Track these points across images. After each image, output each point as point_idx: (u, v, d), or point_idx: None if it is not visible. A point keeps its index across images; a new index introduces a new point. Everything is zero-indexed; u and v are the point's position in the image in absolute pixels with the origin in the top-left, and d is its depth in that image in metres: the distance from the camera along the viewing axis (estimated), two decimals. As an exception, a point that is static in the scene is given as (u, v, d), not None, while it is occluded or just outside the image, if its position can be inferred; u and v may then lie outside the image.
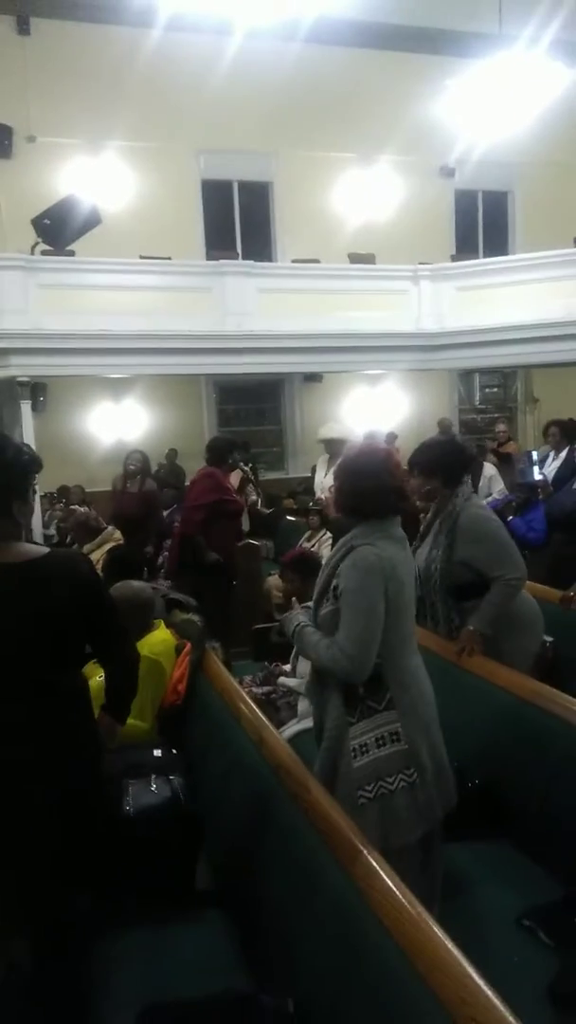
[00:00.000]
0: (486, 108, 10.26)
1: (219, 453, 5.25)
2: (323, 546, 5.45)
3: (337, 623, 2.04)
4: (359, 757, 2.00)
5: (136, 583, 3.37)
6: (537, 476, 5.80)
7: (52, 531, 6.98)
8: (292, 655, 3.64)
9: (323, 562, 2.25)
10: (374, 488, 2.09)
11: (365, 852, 1.68)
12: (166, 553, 6.16)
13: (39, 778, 1.64)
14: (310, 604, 2.29)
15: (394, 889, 1.56)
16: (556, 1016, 1.73)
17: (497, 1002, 1.26)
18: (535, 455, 6.12)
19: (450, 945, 1.39)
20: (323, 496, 5.74)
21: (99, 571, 4.54)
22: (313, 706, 2.20)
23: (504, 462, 7.97)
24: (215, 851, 2.32)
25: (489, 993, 1.28)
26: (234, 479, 6.19)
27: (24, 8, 9.79)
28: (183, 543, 5.13)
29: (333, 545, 4.65)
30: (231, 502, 5.24)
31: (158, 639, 3.14)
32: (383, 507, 2.11)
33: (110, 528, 5.59)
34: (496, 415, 11.64)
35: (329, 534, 5.56)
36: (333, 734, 2.06)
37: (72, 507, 7.45)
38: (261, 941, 1.95)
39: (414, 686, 2.10)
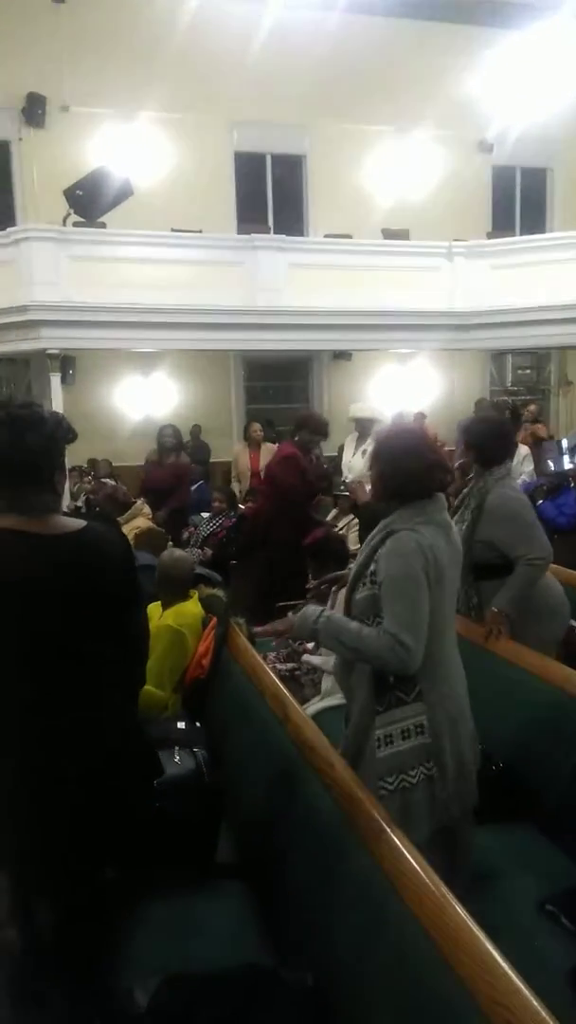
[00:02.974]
0: (526, 80, 10.01)
1: (296, 428, 5.19)
2: (351, 531, 5.41)
3: (374, 608, 1.98)
4: (383, 747, 1.95)
5: (179, 552, 3.49)
6: (567, 465, 5.72)
7: (80, 503, 7.03)
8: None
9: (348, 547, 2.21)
10: (418, 467, 2.01)
11: (389, 831, 1.67)
12: (192, 528, 6.20)
13: (73, 748, 1.65)
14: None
15: (418, 869, 1.55)
16: (577, 1001, 1.72)
17: (522, 986, 1.25)
18: (565, 444, 6.02)
19: (474, 928, 1.38)
20: (350, 477, 5.69)
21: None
22: (341, 686, 2.17)
23: (535, 445, 7.85)
24: (237, 825, 2.33)
25: (514, 977, 1.26)
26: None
27: (59, -25, 9.68)
28: (260, 521, 5.09)
29: (361, 532, 4.64)
30: (307, 483, 5.22)
31: (188, 611, 3.18)
32: (430, 484, 2.03)
33: (139, 503, 5.63)
34: (528, 397, 11.44)
35: (356, 519, 5.51)
36: (358, 721, 2.02)
37: (103, 480, 7.49)
38: (282, 916, 1.95)
39: (446, 681, 2.01)
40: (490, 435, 3.16)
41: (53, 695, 1.64)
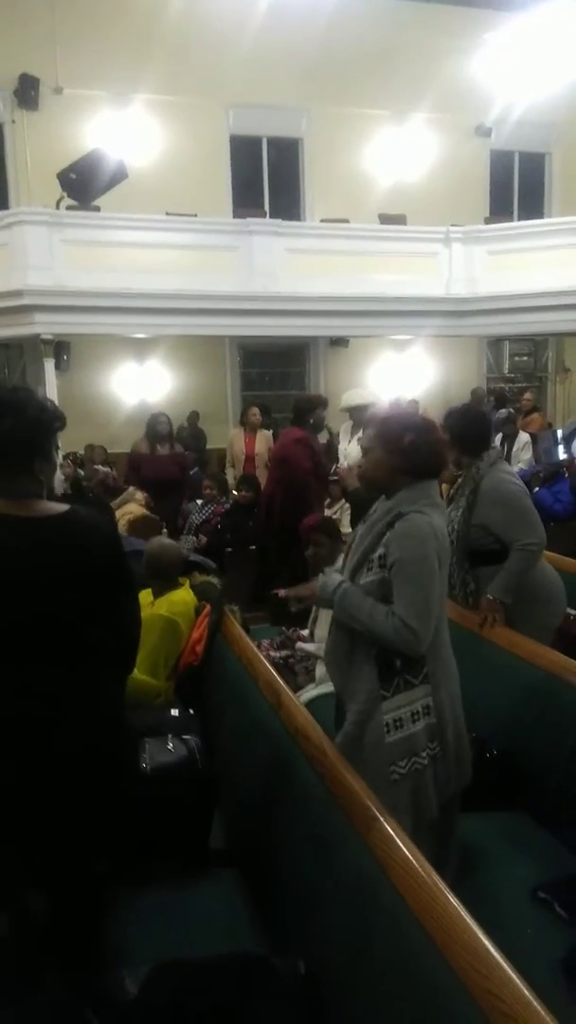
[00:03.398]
0: (525, 64, 9.90)
1: (300, 413, 5.10)
2: (344, 514, 5.39)
3: (382, 591, 1.97)
4: (392, 732, 1.95)
5: (167, 540, 3.47)
6: (562, 455, 5.71)
7: (66, 487, 6.99)
8: (310, 620, 3.62)
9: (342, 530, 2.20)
10: (432, 442, 2.03)
11: (382, 820, 1.66)
12: (186, 515, 6.18)
13: (60, 734, 1.63)
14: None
15: (411, 858, 1.54)
16: (569, 989, 1.71)
17: (514, 975, 1.24)
18: (560, 433, 6.02)
19: (466, 917, 1.37)
20: (346, 465, 5.66)
21: (122, 531, 4.59)
22: (335, 674, 2.14)
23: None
24: (231, 813, 2.32)
25: (506, 966, 1.25)
26: (321, 439, 6.04)
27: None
28: (275, 505, 5.00)
29: (352, 517, 4.61)
30: (322, 467, 5.17)
31: (180, 598, 3.16)
32: (440, 463, 2.07)
33: (131, 489, 5.60)
34: (525, 384, 11.41)
35: (348, 504, 5.48)
36: (364, 708, 1.98)
37: (95, 467, 7.45)
38: (275, 904, 1.95)
39: (448, 660, 2.05)
40: (465, 423, 3.14)
41: (37, 678, 1.62)
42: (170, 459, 6.34)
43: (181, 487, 6.35)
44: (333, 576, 2.07)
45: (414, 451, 2.00)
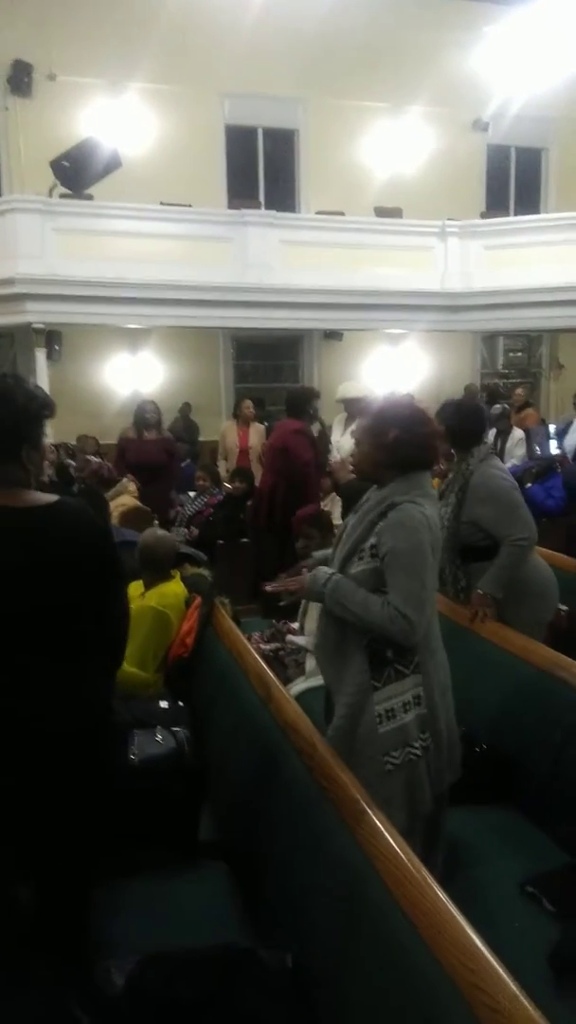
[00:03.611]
0: (524, 58, 9.87)
1: (297, 405, 5.07)
2: (335, 507, 5.38)
3: (373, 581, 1.96)
4: (384, 723, 1.94)
5: (161, 532, 3.45)
6: (554, 450, 5.71)
7: (51, 473, 6.95)
8: (300, 612, 3.61)
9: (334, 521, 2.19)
10: (429, 434, 2.03)
11: (371, 813, 1.65)
12: (179, 508, 6.15)
13: (45, 726, 1.61)
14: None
15: (399, 852, 1.53)
16: (556, 983, 1.71)
17: (501, 970, 1.23)
18: (552, 429, 6.02)
19: (454, 911, 1.37)
20: (338, 458, 5.64)
21: (114, 522, 4.56)
22: (325, 666, 2.13)
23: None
24: (220, 805, 2.32)
25: (493, 960, 1.25)
26: (313, 431, 6.01)
27: None
28: (277, 496, 4.97)
29: (344, 510, 4.59)
30: (321, 456, 5.14)
31: (171, 590, 3.14)
32: (432, 455, 2.07)
33: (125, 480, 5.57)
34: (519, 380, 11.40)
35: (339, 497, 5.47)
36: (355, 699, 1.97)
37: (87, 457, 7.41)
38: (263, 896, 1.94)
39: (438, 650, 2.05)
40: (458, 418, 3.13)
41: (22, 669, 1.60)
42: (156, 444, 6.27)
43: (168, 474, 6.29)
44: (322, 569, 2.06)
45: (397, 447, 2.00)
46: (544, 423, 8.47)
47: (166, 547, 3.25)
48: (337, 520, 4.61)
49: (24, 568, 1.59)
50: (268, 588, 2.27)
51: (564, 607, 3.31)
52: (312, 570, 2.10)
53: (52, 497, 1.68)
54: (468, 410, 3.27)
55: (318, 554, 2.40)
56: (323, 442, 5.76)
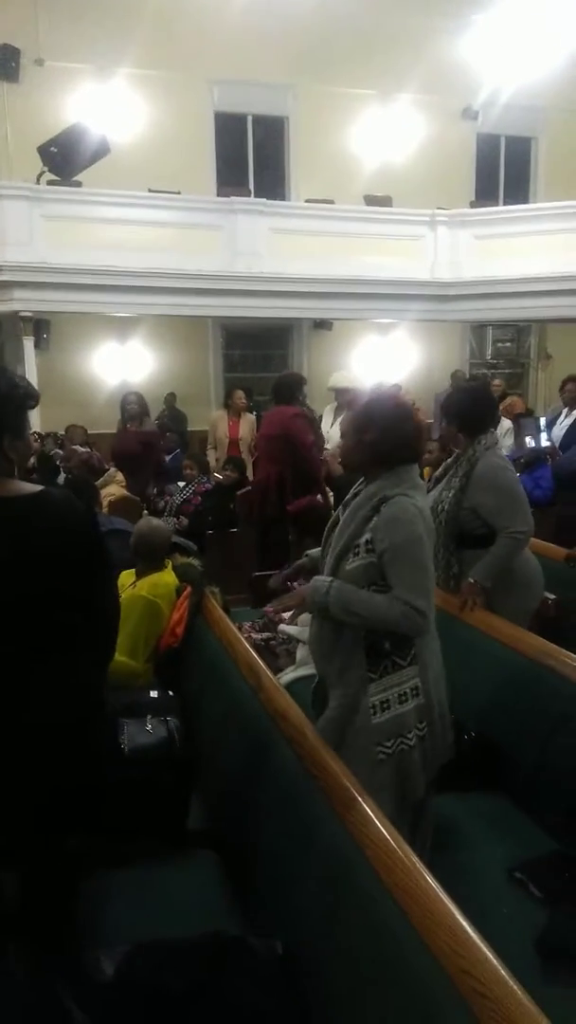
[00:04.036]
0: (514, 47, 9.82)
1: (289, 391, 4.98)
2: (328, 496, 5.37)
3: (368, 577, 1.95)
4: (379, 714, 1.94)
5: (156, 520, 3.45)
6: (544, 443, 5.72)
7: (32, 462, 6.92)
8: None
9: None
10: (413, 430, 2.03)
11: (360, 800, 1.66)
12: (168, 497, 6.13)
13: (28, 717, 1.61)
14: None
15: (389, 838, 1.54)
16: (544, 968, 1.73)
17: (490, 955, 1.24)
18: (542, 421, 6.02)
19: (443, 896, 1.38)
20: (329, 447, 5.63)
21: (104, 510, 4.55)
22: (322, 662, 2.11)
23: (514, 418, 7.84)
24: (210, 794, 2.32)
25: (482, 946, 1.26)
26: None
27: None
28: (285, 485, 4.85)
29: (335, 501, 4.58)
30: (321, 440, 5.11)
31: (162, 580, 3.14)
32: (420, 450, 2.09)
33: (112, 470, 5.56)
34: (507, 370, 11.42)
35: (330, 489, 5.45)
36: (351, 691, 1.97)
37: (75, 447, 7.37)
38: (253, 885, 1.95)
39: (434, 639, 2.06)
40: (471, 403, 3.15)
41: (5, 661, 1.59)
42: (134, 436, 6.27)
43: (146, 465, 6.25)
44: (319, 579, 2.04)
45: (381, 444, 2.00)
46: (532, 414, 8.48)
47: (161, 536, 3.25)
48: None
49: (7, 558, 1.57)
50: (269, 609, 2.27)
51: (551, 595, 3.33)
52: (306, 570, 2.11)
53: (36, 487, 1.67)
54: (478, 397, 3.27)
55: (312, 552, 2.37)
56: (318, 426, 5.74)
